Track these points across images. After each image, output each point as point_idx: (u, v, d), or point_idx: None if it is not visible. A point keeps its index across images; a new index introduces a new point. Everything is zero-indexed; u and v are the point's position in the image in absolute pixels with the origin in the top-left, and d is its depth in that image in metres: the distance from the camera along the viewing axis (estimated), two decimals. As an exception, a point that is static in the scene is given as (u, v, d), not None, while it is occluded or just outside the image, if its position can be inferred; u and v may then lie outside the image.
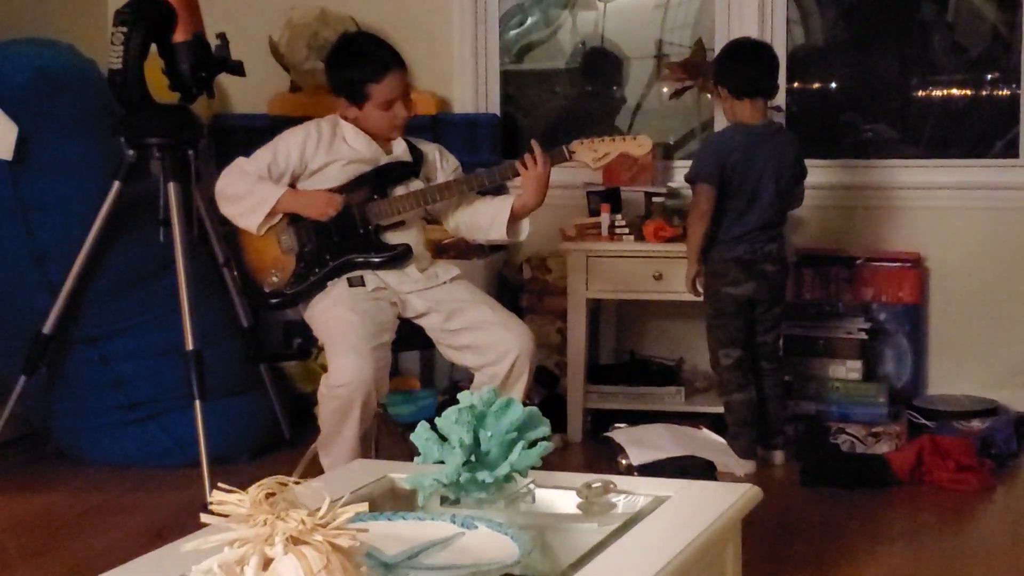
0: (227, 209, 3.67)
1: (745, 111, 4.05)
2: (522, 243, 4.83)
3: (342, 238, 3.65)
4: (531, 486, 2.31)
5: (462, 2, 4.94)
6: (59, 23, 4.69)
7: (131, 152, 4.04)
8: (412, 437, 2.30)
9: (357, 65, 3.64)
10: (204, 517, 1.72)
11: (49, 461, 4.35)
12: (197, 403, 3.90)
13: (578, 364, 4.45)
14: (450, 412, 2.25)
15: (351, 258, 3.65)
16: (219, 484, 1.75)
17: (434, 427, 2.31)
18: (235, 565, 1.68)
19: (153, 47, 4.01)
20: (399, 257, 3.67)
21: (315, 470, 3.67)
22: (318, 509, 1.70)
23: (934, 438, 4.05)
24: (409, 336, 3.69)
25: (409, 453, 3.83)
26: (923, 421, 4.33)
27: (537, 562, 1.99)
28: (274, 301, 3.72)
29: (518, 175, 3.65)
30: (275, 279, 3.70)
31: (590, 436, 4.44)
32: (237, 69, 4.07)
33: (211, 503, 1.73)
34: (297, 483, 1.74)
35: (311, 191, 3.64)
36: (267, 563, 1.68)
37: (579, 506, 2.29)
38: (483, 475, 2.21)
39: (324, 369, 4.63)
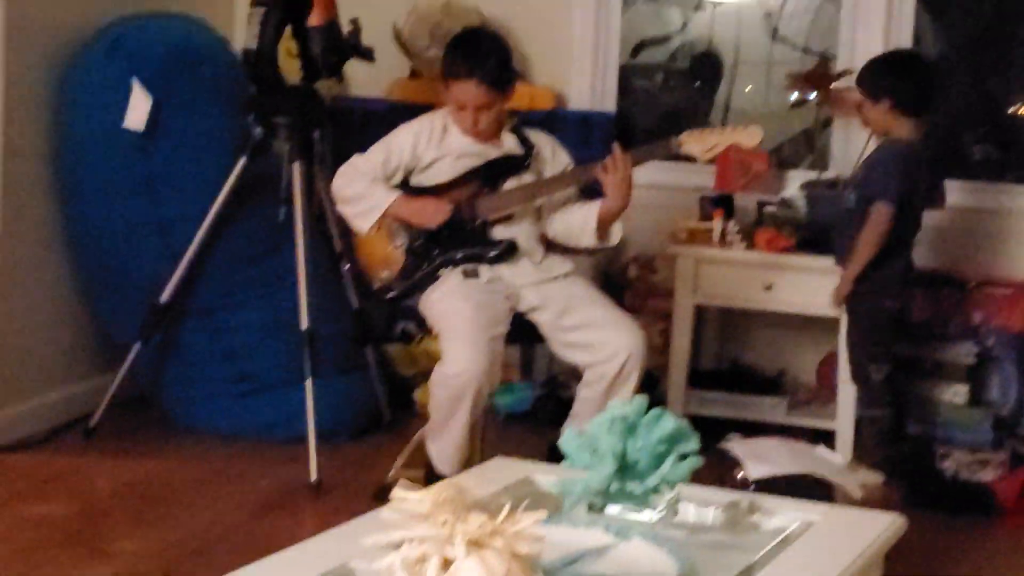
0: (342, 209, 3.76)
1: (909, 128, 4.04)
2: (629, 242, 4.86)
3: (451, 233, 3.67)
4: (676, 499, 2.32)
5: (585, -1, 4.95)
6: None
7: (258, 130, 4.10)
8: (561, 442, 2.32)
9: (452, 57, 3.67)
10: (385, 513, 1.76)
11: (155, 427, 4.41)
12: (308, 381, 3.96)
13: (681, 369, 4.46)
14: (602, 420, 2.26)
15: (457, 254, 3.68)
16: (401, 481, 1.79)
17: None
18: (415, 564, 1.71)
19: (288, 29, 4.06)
20: (504, 254, 3.68)
21: (419, 457, 3.72)
22: (497, 514, 1.73)
23: (1039, 468, 4.03)
24: (520, 330, 3.71)
25: (506, 444, 3.88)
26: (1027, 451, 4.31)
27: (690, 578, 2.00)
28: (389, 296, 3.75)
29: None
30: (384, 274, 3.74)
31: (688, 441, 4.44)
32: (368, 55, 4.13)
33: (390, 498, 1.76)
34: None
35: (420, 199, 3.67)
36: (445, 564, 1.72)
37: (724, 523, 2.31)
38: (633, 486, 2.22)
39: (427, 355, 4.71)
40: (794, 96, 4.79)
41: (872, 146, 4.59)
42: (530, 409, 4.67)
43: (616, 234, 3.77)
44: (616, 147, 3.63)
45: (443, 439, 3.60)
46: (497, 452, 3.42)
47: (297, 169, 4.05)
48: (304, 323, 3.99)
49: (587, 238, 3.73)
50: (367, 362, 4.52)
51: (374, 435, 4.45)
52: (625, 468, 2.26)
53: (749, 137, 3.65)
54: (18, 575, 3.20)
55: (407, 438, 3.87)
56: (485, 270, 3.68)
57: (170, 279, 4.15)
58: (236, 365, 4.30)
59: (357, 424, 4.44)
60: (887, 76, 4.10)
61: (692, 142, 3.64)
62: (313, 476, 3.88)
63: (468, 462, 3.56)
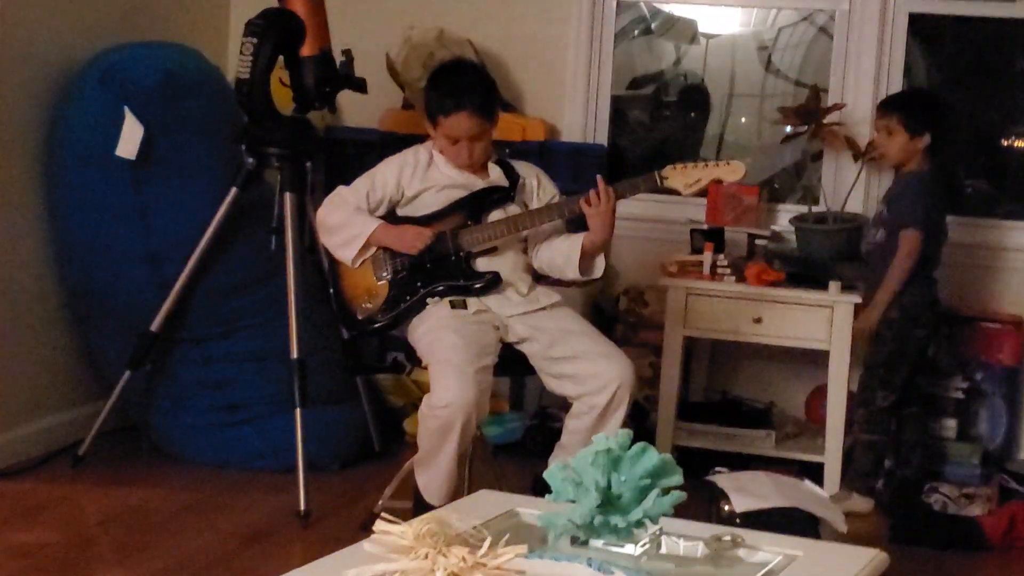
0: (325, 239, 3.76)
1: (923, 163, 4.21)
2: (620, 274, 4.88)
3: (434, 265, 3.68)
4: (659, 532, 2.32)
5: (578, 32, 4.97)
6: (182, 29, 4.77)
7: (250, 160, 4.11)
8: (545, 475, 2.32)
9: (437, 92, 3.68)
10: (367, 545, 1.76)
11: (144, 456, 4.42)
12: (298, 411, 3.95)
13: (670, 401, 4.46)
14: (587, 454, 2.26)
15: (440, 285, 3.68)
16: (383, 514, 1.79)
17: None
18: (396, 596, 1.72)
19: (280, 59, 4.08)
20: (487, 287, 3.69)
21: (408, 487, 3.72)
22: (479, 547, 1.74)
23: (1027, 504, 4.04)
24: (510, 362, 3.71)
25: (495, 475, 3.88)
26: (1015, 486, 4.31)
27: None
28: (373, 327, 3.76)
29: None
30: (368, 306, 3.74)
31: (677, 473, 4.44)
32: (360, 86, 4.14)
33: (374, 530, 1.77)
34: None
35: (401, 226, 3.68)
36: (425, 597, 1.72)
37: (707, 558, 2.31)
38: (616, 520, 2.22)
39: (417, 385, 4.71)
40: (787, 130, 4.82)
41: (863, 180, 4.65)
42: (520, 440, 4.68)
43: (599, 267, 3.77)
44: (600, 180, 3.64)
45: (431, 470, 3.59)
46: (487, 483, 3.43)
47: (289, 199, 4.06)
48: (294, 353, 3.99)
49: (571, 271, 3.73)
50: (358, 392, 4.53)
51: (364, 465, 4.45)
52: (609, 502, 2.26)
53: (732, 172, 3.64)
54: (4, 603, 3.20)
55: (397, 468, 3.87)
56: (473, 301, 3.69)
57: (160, 308, 4.15)
58: (226, 394, 4.30)
59: (347, 454, 4.44)
60: (934, 114, 4.27)
61: (675, 177, 3.64)
62: (302, 506, 3.87)
63: (456, 493, 3.56)
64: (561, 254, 3.73)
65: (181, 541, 3.69)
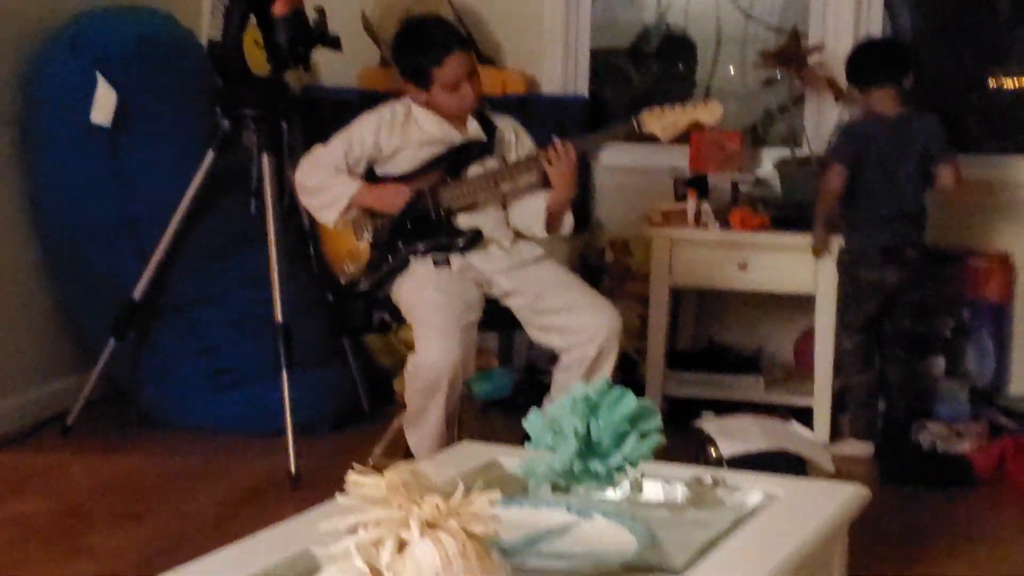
0: (305, 201, 3.73)
1: (877, 101, 4.18)
2: (604, 225, 4.86)
3: (415, 224, 3.66)
4: (640, 477, 2.32)
5: (555, -19, 4.94)
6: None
7: (226, 122, 4.08)
8: (524, 423, 2.31)
9: (419, 50, 3.64)
10: (340, 498, 1.75)
11: (133, 423, 4.41)
12: (284, 374, 3.94)
13: (658, 350, 4.45)
14: (564, 401, 2.26)
15: (421, 245, 3.66)
16: (354, 465, 1.78)
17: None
18: (371, 547, 1.71)
19: (253, 19, 4.04)
20: (469, 244, 3.67)
21: (398, 444, 3.72)
22: (452, 495, 1.73)
23: (1017, 439, 4.04)
24: (497, 317, 3.70)
25: (485, 430, 3.88)
26: (1004, 421, 4.31)
27: (649, 555, 2.00)
28: (357, 290, 3.74)
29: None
30: (350, 269, 3.72)
31: (668, 422, 4.43)
32: (334, 43, 4.10)
33: (346, 482, 1.75)
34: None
35: (381, 185, 3.66)
36: (400, 546, 1.71)
37: (688, 499, 2.31)
38: (596, 465, 2.22)
39: (404, 344, 4.70)
40: (777, 76, 4.78)
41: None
42: (509, 395, 4.67)
43: (568, 225, 3.75)
44: (556, 138, 3.60)
45: (420, 428, 3.59)
46: (476, 439, 3.42)
47: (266, 161, 4.03)
48: (278, 316, 3.98)
49: (538, 229, 3.71)
50: (345, 353, 4.52)
51: (354, 426, 4.45)
52: (588, 448, 2.25)
53: (709, 113, 3.58)
54: (-4, 573, 3.21)
55: (387, 428, 3.87)
56: (456, 258, 3.67)
57: (142, 276, 4.14)
58: (212, 360, 4.29)
59: (336, 415, 4.44)
60: (849, 65, 4.30)
61: (652, 121, 3.59)
62: (292, 468, 3.86)
63: (447, 450, 3.56)
64: (530, 213, 3.71)
65: (173, 507, 3.69)
